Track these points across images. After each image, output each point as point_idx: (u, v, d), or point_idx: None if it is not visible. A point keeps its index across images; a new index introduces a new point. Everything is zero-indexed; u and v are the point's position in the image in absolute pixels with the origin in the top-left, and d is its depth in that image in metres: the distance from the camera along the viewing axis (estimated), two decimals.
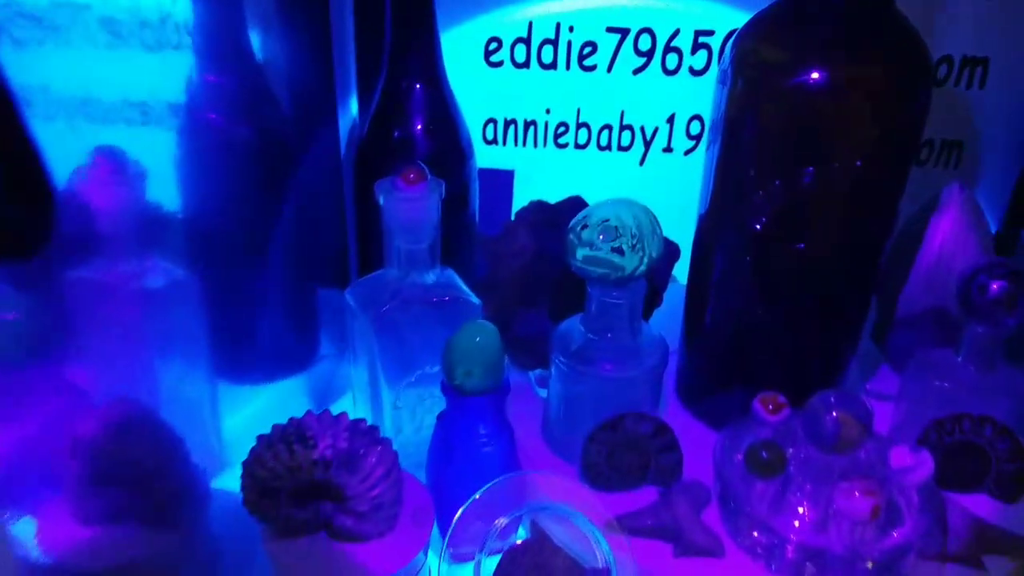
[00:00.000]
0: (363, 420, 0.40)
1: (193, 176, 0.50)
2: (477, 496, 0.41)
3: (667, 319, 0.55)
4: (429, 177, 0.42)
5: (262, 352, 0.58)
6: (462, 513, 0.41)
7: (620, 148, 0.67)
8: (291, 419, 0.39)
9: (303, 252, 0.57)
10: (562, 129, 0.66)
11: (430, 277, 0.45)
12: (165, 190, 0.48)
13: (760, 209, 0.43)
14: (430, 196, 0.42)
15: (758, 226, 0.43)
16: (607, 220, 0.41)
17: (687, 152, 0.67)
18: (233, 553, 0.45)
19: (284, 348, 0.59)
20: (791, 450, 0.41)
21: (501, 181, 0.68)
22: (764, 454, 0.39)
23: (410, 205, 0.42)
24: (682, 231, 0.53)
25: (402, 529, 0.41)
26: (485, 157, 0.67)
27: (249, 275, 0.55)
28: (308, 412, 0.39)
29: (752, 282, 0.45)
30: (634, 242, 0.41)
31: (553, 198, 0.60)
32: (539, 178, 0.68)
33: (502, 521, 0.42)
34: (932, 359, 0.47)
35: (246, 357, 0.58)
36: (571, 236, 0.42)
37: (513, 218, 0.59)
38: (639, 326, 0.46)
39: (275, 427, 0.39)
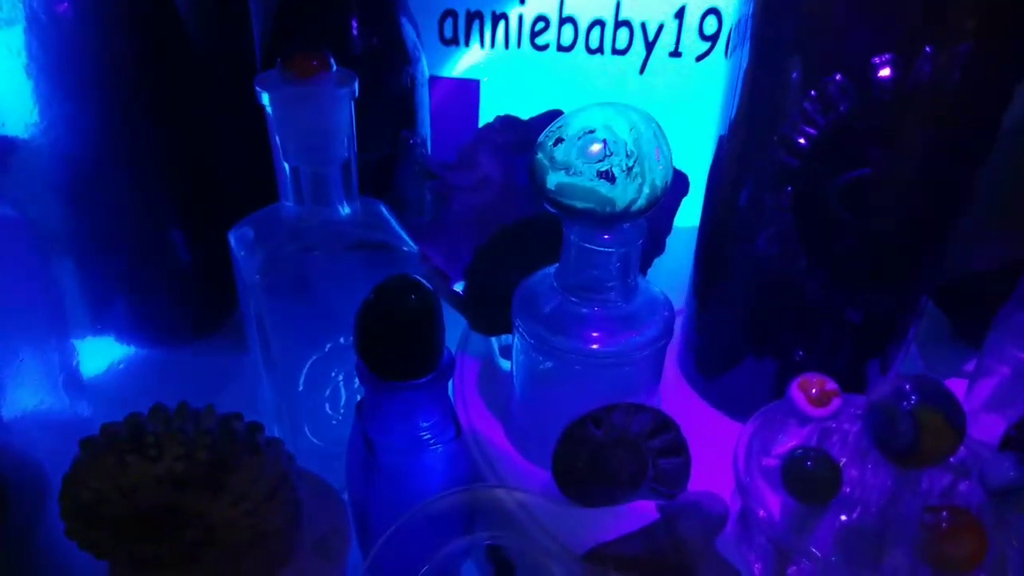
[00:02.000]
0: (237, 416, 0.29)
1: (43, 85, 0.39)
2: (406, 519, 0.31)
3: (669, 274, 0.45)
4: (334, 66, 0.31)
5: (155, 309, 0.48)
6: (384, 542, 0.31)
7: (615, 51, 0.55)
8: (129, 416, 0.28)
9: (199, 187, 0.46)
10: (541, 25, 0.55)
11: (344, 211, 0.34)
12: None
13: (808, 122, 0.32)
14: (336, 92, 0.31)
15: (802, 141, 0.32)
16: (591, 131, 0.30)
17: (700, 57, 0.56)
18: None
19: (185, 305, 0.48)
20: (844, 460, 0.30)
21: (462, 93, 0.57)
22: (810, 467, 0.29)
23: (307, 105, 0.31)
24: (692, 159, 0.42)
25: (303, 563, 0.31)
26: (441, 62, 0.55)
27: (128, 209, 0.44)
28: (156, 405, 0.29)
29: (792, 223, 0.35)
30: (630, 163, 0.30)
31: (527, 113, 0.48)
32: (511, 89, 0.57)
33: (445, 552, 0.32)
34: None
35: (137, 316, 0.47)
36: (540, 155, 0.31)
37: (473, 139, 0.48)
38: (635, 283, 0.35)
39: (104, 428, 0.28)
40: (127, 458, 0.28)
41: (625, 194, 0.30)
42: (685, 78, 0.56)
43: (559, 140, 0.31)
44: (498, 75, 0.57)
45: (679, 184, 0.46)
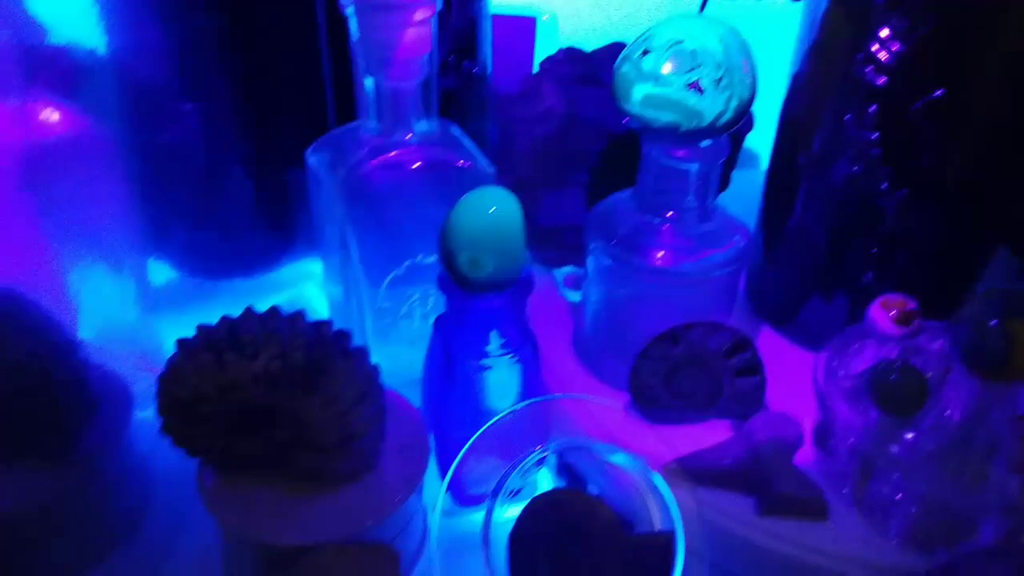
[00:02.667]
0: (328, 322, 0.30)
1: (112, 6, 0.39)
2: (488, 427, 0.32)
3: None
4: None
5: (215, 239, 0.48)
6: (468, 450, 0.31)
7: None
8: (223, 318, 0.29)
9: (267, 108, 0.46)
10: None
11: (423, 130, 0.35)
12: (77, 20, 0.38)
13: (898, 37, 0.32)
14: (423, 4, 0.31)
15: (888, 57, 0.32)
16: (680, 42, 0.30)
17: None
18: (171, 492, 0.36)
19: (245, 237, 0.49)
20: (930, 374, 0.31)
21: (519, 30, 0.56)
22: (897, 378, 0.29)
23: (393, 16, 0.31)
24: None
25: (386, 468, 0.32)
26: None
27: (194, 137, 0.44)
28: (248, 309, 0.29)
29: (876, 142, 0.34)
30: (720, 75, 0.30)
31: (589, 46, 0.48)
32: (567, 27, 0.57)
33: (522, 462, 0.33)
34: None
35: (196, 245, 0.48)
36: (626, 67, 0.31)
37: (536, 71, 0.48)
38: (712, 205, 0.35)
39: (201, 329, 0.29)
40: (225, 356, 0.28)
41: (713, 106, 0.31)
42: (745, 18, 0.55)
43: (646, 51, 0.31)
44: (557, 11, 0.56)
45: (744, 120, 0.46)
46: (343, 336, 0.30)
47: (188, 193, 0.47)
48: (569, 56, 0.47)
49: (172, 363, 0.29)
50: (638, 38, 0.32)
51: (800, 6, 0.39)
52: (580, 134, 0.47)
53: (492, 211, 0.30)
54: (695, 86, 0.30)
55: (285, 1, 0.45)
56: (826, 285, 0.40)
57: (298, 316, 0.30)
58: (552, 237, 0.46)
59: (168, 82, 0.43)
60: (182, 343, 0.29)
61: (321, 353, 0.29)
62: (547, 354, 0.40)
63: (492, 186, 0.31)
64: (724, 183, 0.46)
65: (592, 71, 0.47)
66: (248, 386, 0.28)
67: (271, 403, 0.29)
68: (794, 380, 0.37)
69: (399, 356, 0.39)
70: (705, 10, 0.56)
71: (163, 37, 0.42)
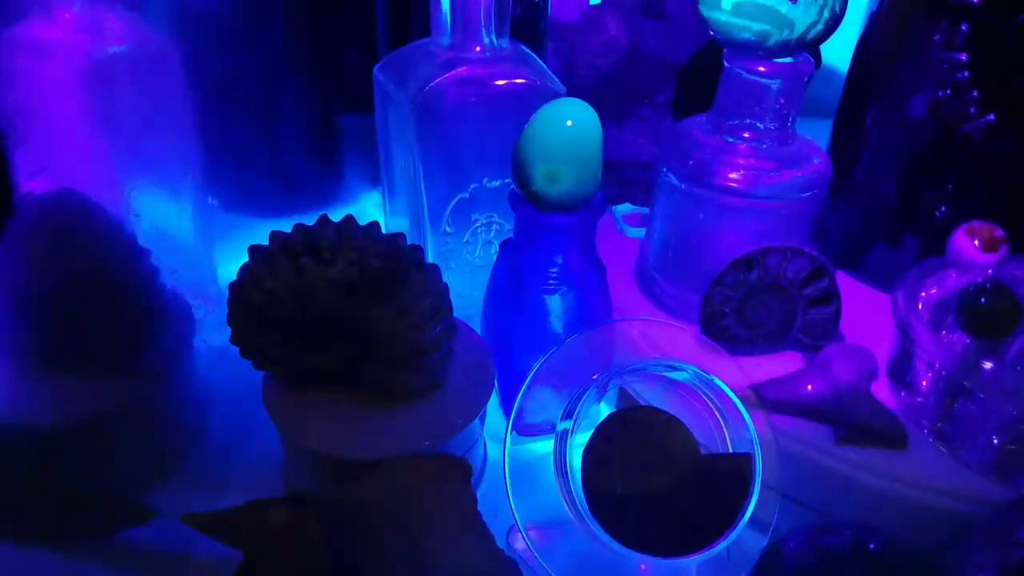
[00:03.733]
0: (402, 235, 0.29)
1: None
2: (554, 352, 0.31)
3: None
4: None
5: (267, 175, 0.48)
6: (534, 376, 0.31)
7: None
8: (298, 225, 0.29)
9: (321, 39, 0.46)
10: None
11: (495, 46, 0.34)
12: None
13: None
14: None
15: None
16: None
17: None
18: (230, 411, 0.36)
19: (298, 173, 0.48)
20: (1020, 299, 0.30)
21: None
22: (988, 301, 0.28)
23: None
24: None
25: (453, 388, 0.32)
26: None
27: (250, 66, 0.44)
28: (323, 216, 0.29)
29: (966, 64, 0.33)
30: None
31: None
32: None
33: (588, 388, 0.32)
34: None
35: (249, 181, 0.48)
36: None
37: (599, 1, 0.46)
38: (793, 129, 0.34)
39: (275, 235, 0.29)
40: (301, 260, 0.28)
41: (806, 15, 0.29)
42: None
43: None
44: None
45: None
46: (417, 249, 0.30)
47: (243, 126, 0.47)
48: None
49: (245, 269, 0.29)
50: None
51: None
52: (643, 67, 0.46)
53: (570, 124, 0.30)
54: None
55: None
56: (897, 223, 0.39)
57: (374, 226, 0.29)
58: (613, 173, 0.45)
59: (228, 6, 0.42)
60: (255, 249, 0.29)
61: (397, 264, 0.29)
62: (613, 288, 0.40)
63: (571, 99, 0.30)
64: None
65: (658, 2, 0.46)
66: (325, 292, 0.28)
67: (344, 312, 0.29)
68: (866, 321, 0.36)
69: (460, 283, 0.38)
70: None
71: None
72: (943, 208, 0.38)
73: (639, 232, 0.43)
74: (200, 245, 0.42)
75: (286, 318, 0.29)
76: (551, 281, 0.33)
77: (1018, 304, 0.29)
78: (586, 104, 0.30)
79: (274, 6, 0.43)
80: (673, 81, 0.46)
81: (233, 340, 0.30)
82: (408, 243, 0.30)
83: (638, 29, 0.45)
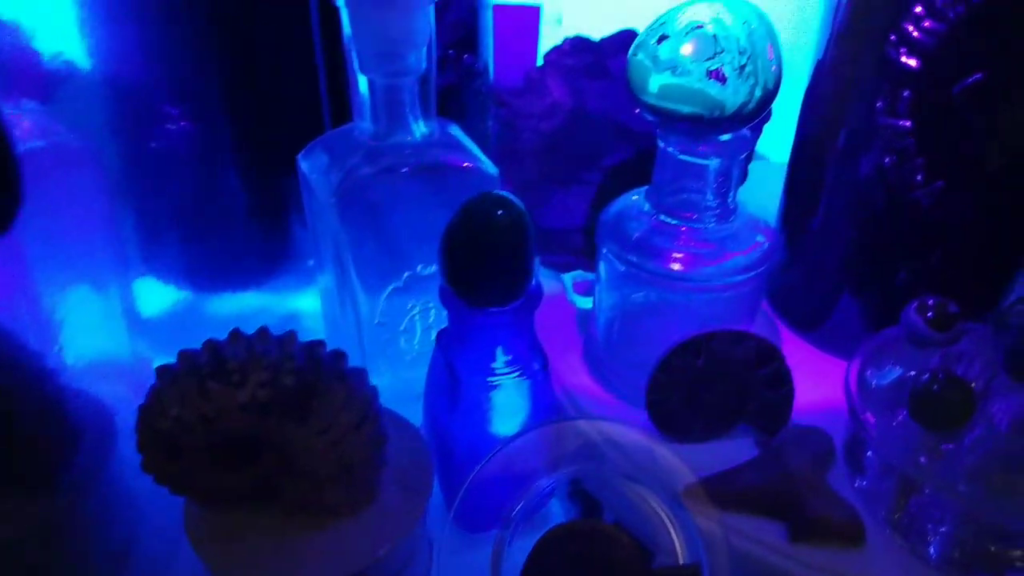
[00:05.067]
0: (321, 343, 0.27)
1: (90, 8, 0.37)
2: (497, 452, 0.29)
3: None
4: None
5: (207, 251, 0.46)
6: (475, 477, 0.29)
7: None
8: (207, 342, 0.27)
9: (259, 111, 0.44)
10: None
11: (421, 131, 0.32)
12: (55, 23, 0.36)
13: (934, 15, 0.29)
14: None
15: (925, 38, 0.29)
16: (700, 26, 0.27)
17: None
18: (160, 523, 0.34)
19: (239, 248, 0.47)
20: (974, 383, 0.28)
21: (522, 21, 0.54)
22: (940, 391, 0.27)
23: (386, 4, 0.28)
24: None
25: (387, 498, 0.30)
26: None
27: (182, 144, 0.42)
28: (234, 331, 0.27)
29: (910, 131, 0.32)
30: (743, 61, 0.27)
31: (597, 35, 0.46)
32: (572, 15, 0.54)
33: (534, 488, 0.31)
34: None
35: (188, 258, 0.46)
36: (640, 55, 0.29)
37: (541, 63, 0.45)
38: (734, 204, 0.33)
39: (182, 354, 0.27)
40: (208, 384, 0.26)
41: (736, 96, 0.28)
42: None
43: (663, 37, 0.28)
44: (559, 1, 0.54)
45: None
46: (338, 357, 0.28)
47: (178, 204, 0.45)
48: (575, 46, 0.45)
49: (153, 393, 0.27)
50: (653, 23, 0.29)
51: None
52: (589, 130, 0.44)
53: (496, 218, 0.28)
54: (716, 74, 0.28)
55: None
56: (855, 287, 0.37)
57: (288, 338, 0.28)
58: (561, 240, 0.44)
59: (154, 87, 0.41)
60: (162, 371, 0.27)
61: (313, 377, 0.27)
62: (556, 366, 0.38)
63: (496, 191, 0.29)
64: (741, 177, 0.43)
65: (600, 62, 0.45)
66: (234, 416, 0.26)
67: (259, 433, 0.27)
68: (822, 391, 0.35)
69: (400, 374, 0.37)
70: None
71: (147, 40, 0.39)
72: (902, 274, 0.36)
73: (589, 302, 0.41)
74: (131, 340, 0.40)
75: (196, 444, 0.27)
76: (488, 377, 0.31)
77: (970, 394, 0.27)
78: (511, 198, 0.28)
79: (211, 80, 0.42)
80: (620, 142, 0.45)
81: (144, 468, 0.28)
82: (328, 350, 0.28)
83: (582, 90, 0.44)
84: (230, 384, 0.26)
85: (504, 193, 0.29)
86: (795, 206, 0.40)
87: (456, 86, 0.45)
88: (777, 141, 0.47)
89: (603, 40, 0.45)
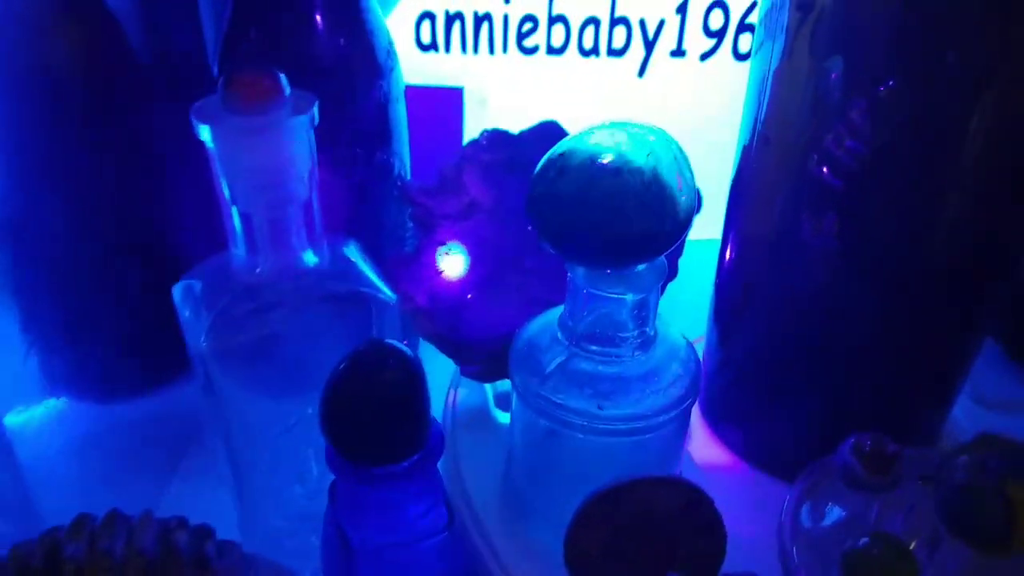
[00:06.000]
0: (180, 524, 0.24)
1: None
2: None
3: (683, 303, 0.39)
4: (287, 89, 0.26)
5: (99, 357, 0.42)
6: None
7: (611, 52, 0.50)
8: (44, 535, 0.23)
9: (148, 219, 0.41)
10: (528, 27, 0.49)
11: (307, 259, 0.29)
12: None
13: (856, 136, 0.27)
14: (292, 122, 0.25)
15: (849, 160, 0.27)
16: (601, 157, 0.25)
17: (705, 56, 0.50)
18: None
19: (136, 352, 0.43)
20: (913, 544, 0.25)
21: (444, 103, 0.51)
22: (878, 557, 0.24)
23: (256, 139, 0.25)
24: (701, 169, 0.37)
25: None
26: (418, 70, 0.50)
27: (55, 256, 0.39)
28: (80, 517, 0.23)
29: (838, 252, 0.29)
30: (648, 199, 0.25)
31: (517, 126, 0.43)
32: (498, 98, 0.52)
33: None
34: None
35: (80, 365, 0.42)
36: (540, 189, 0.26)
37: (457, 158, 0.42)
38: (653, 332, 0.30)
39: (13, 553, 0.23)
40: None
41: (643, 230, 0.25)
42: (689, 79, 0.51)
43: (562, 170, 0.25)
44: (482, 83, 0.51)
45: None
46: (202, 537, 0.25)
47: (66, 310, 0.41)
48: (493, 141, 0.42)
49: None
50: (552, 153, 0.26)
51: (750, 64, 0.34)
52: (509, 227, 0.41)
53: (383, 376, 0.25)
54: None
55: (170, 85, 0.39)
56: (787, 400, 0.35)
57: (142, 522, 0.24)
58: (479, 350, 0.41)
59: (28, 189, 0.37)
60: None
61: (167, 571, 0.23)
62: (474, 494, 0.35)
63: (379, 340, 0.25)
64: (672, 274, 0.41)
65: (521, 156, 0.42)
66: None
67: None
68: (759, 523, 0.32)
69: (296, 516, 0.33)
70: (647, 72, 0.51)
71: (21, 139, 0.36)
72: (840, 393, 0.34)
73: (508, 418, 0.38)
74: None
75: None
76: (386, 545, 0.28)
77: (913, 565, 0.24)
78: (399, 347, 0.25)
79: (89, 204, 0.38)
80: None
81: None
82: (188, 530, 0.24)
83: (501, 187, 0.41)
84: None
85: (390, 342, 0.26)
86: (723, 312, 0.37)
87: (365, 182, 0.42)
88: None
89: (523, 133, 0.42)
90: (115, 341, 0.43)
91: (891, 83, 0.26)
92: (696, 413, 0.40)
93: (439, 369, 0.42)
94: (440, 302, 0.40)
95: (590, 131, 0.26)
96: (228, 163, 0.26)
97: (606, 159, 0.25)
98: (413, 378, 0.25)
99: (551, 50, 0.50)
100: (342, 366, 0.25)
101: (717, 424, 0.39)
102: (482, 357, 0.41)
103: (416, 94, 0.51)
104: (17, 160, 0.37)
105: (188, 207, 0.41)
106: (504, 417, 0.39)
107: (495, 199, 0.41)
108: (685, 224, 0.27)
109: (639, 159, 0.25)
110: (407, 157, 0.45)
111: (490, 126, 0.42)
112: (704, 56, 0.51)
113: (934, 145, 0.26)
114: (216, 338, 0.28)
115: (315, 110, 0.27)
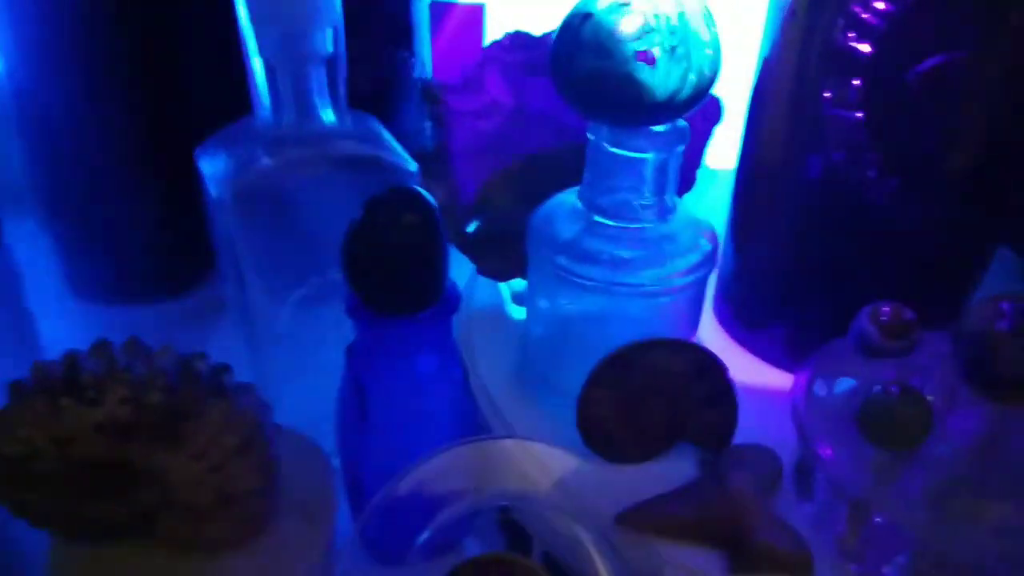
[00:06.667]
0: (200, 356, 0.24)
1: None
2: (403, 477, 0.26)
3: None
4: None
5: (112, 258, 0.42)
6: (377, 503, 0.26)
7: None
8: (67, 354, 0.23)
9: (171, 112, 0.41)
10: None
11: (329, 120, 0.29)
12: None
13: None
14: None
15: (876, 21, 0.27)
16: (627, 3, 0.24)
17: None
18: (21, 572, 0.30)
19: (145, 256, 0.43)
20: (932, 397, 0.25)
21: (465, 19, 0.51)
22: (895, 405, 0.24)
23: None
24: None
25: (283, 529, 0.26)
26: None
27: (87, 145, 0.39)
28: (100, 342, 0.24)
29: (861, 123, 0.29)
30: (674, 42, 0.24)
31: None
32: (520, 15, 0.51)
33: (451, 515, 0.27)
34: None
35: (93, 265, 0.42)
36: (564, 36, 0.26)
37: (480, 58, 0.42)
38: (672, 203, 0.30)
39: (36, 367, 0.23)
40: (60, 402, 0.23)
41: (668, 81, 0.25)
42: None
43: (587, 15, 0.25)
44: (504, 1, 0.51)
45: (711, 108, 0.41)
46: (218, 371, 0.25)
47: (76, 205, 0.41)
48: (516, 42, 0.42)
49: (2, 412, 0.23)
50: (578, 3, 0.26)
51: None
52: (530, 129, 0.41)
53: (402, 218, 0.25)
54: (645, 56, 0.25)
55: None
56: (805, 296, 0.34)
57: (163, 350, 0.24)
58: (497, 246, 0.41)
59: (48, 88, 0.37)
60: (13, 387, 0.23)
61: (186, 394, 0.24)
62: (487, 380, 0.35)
63: (401, 186, 0.25)
64: (688, 184, 0.40)
65: (543, 58, 0.42)
66: (90, 438, 0.23)
67: (123, 458, 0.23)
68: (771, 407, 0.32)
69: (314, 390, 0.33)
70: None
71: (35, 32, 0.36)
72: (854, 279, 0.34)
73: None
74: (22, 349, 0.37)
75: (50, 470, 0.23)
76: (401, 392, 0.28)
77: (927, 409, 0.24)
78: (420, 192, 0.25)
79: (109, 62, 0.38)
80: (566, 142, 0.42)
81: None
82: (207, 364, 0.24)
83: (523, 88, 0.41)
84: (84, 401, 0.23)
85: (412, 187, 0.26)
86: (743, 211, 0.37)
87: (387, 79, 0.42)
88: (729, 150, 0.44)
89: (546, 35, 0.42)
90: (137, 241, 0.43)
91: None
92: (712, 317, 0.40)
93: (456, 270, 0.42)
94: (459, 199, 0.40)
95: None
96: (254, 8, 0.26)
97: (634, 5, 0.25)
98: (432, 223, 0.25)
99: None
100: (365, 207, 0.25)
101: (731, 326, 0.38)
102: (500, 255, 0.41)
103: (440, 9, 0.51)
104: (35, 40, 0.36)
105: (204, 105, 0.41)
106: (519, 313, 0.39)
107: (516, 99, 0.41)
108: (711, 81, 0.26)
109: (666, 5, 0.25)
110: (429, 64, 0.45)
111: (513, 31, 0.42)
112: None
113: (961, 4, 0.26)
114: (240, 192, 0.28)
115: None
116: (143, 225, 0.42)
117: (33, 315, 0.37)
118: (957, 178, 0.29)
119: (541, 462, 0.28)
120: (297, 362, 0.32)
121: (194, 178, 0.36)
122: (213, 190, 0.28)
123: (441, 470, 0.28)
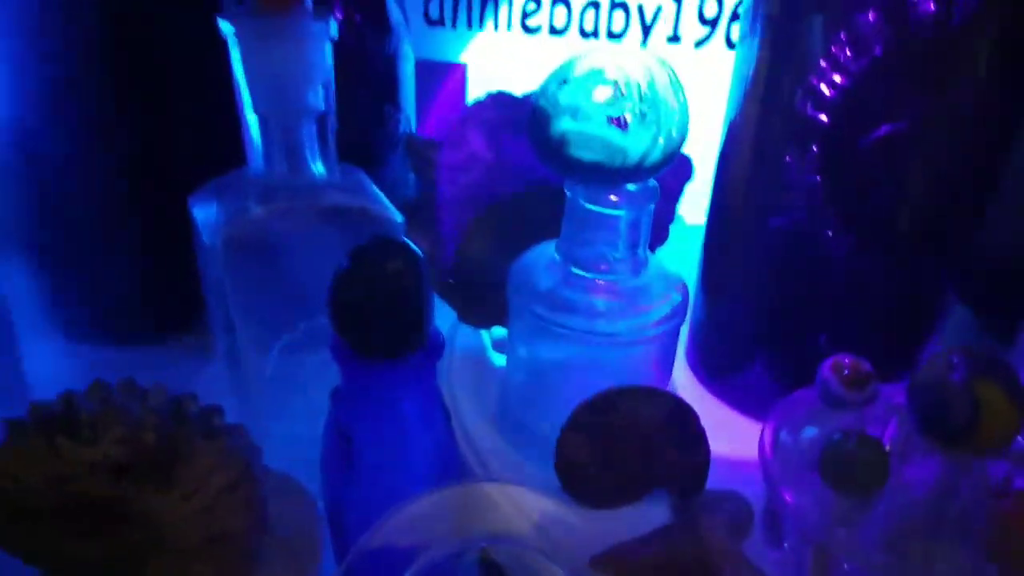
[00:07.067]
0: (190, 397, 0.25)
1: None
2: (387, 520, 0.27)
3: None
4: (309, 0, 0.27)
5: (103, 310, 0.43)
6: (361, 546, 0.27)
7: (609, 35, 0.52)
8: (64, 394, 0.24)
9: (161, 158, 0.42)
10: (532, 6, 0.52)
11: (318, 172, 0.31)
12: None
13: (838, 69, 0.29)
14: (312, 26, 0.27)
15: (830, 92, 0.29)
16: (601, 71, 0.26)
17: (699, 43, 0.53)
18: None
19: (135, 299, 0.44)
20: (890, 446, 0.27)
21: (449, 78, 0.53)
22: (854, 450, 0.25)
23: (278, 40, 0.27)
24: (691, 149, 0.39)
25: (268, 571, 0.27)
26: (427, 45, 0.52)
27: (76, 188, 0.40)
28: (96, 382, 0.25)
29: (819, 186, 0.31)
30: (644, 108, 0.26)
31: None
32: (501, 75, 0.54)
33: (431, 557, 0.28)
34: None
35: (80, 319, 0.43)
36: (542, 100, 0.28)
37: (461, 115, 0.44)
38: (645, 256, 0.31)
39: (33, 407, 0.24)
40: (57, 441, 0.23)
41: (639, 143, 0.27)
42: (683, 65, 0.53)
43: (564, 80, 0.27)
44: (486, 59, 0.54)
45: (682, 167, 0.43)
46: (209, 413, 0.26)
47: (64, 248, 0.42)
48: (496, 101, 0.44)
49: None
50: (556, 68, 0.28)
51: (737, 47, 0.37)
52: (508, 182, 0.43)
53: (386, 267, 0.26)
54: (618, 121, 0.27)
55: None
56: (771, 346, 0.36)
57: (156, 390, 0.25)
58: (478, 294, 0.42)
59: (36, 130, 0.38)
60: (11, 425, 0.24)
61: (179, 435, 0.24)
62: (468, 425, 0.36)
63: (386, 237, 0.27)
64: (661, 238, 0.42)
65: (521, 116, 0.44)
66: (86, 477, 0.23)
67: (117, 497, 0.24)
68: (741, 454, 0.33)
69: (299, 432, 0.34)
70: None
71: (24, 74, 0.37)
72: (818, 331, 0.35)
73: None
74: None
75: (45, 507, 0.24)
76: (384, 437, 0.29)
77: (883, 454, 0.26)
78: (404, 241, 0.27)
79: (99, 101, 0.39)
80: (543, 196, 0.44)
81: None
82: (199, 406, 0.25)
83: (502, 144, 0.43)
84: (81, 440, 0.23)
85: (396, 236, 0.27)
86: (712, 265, 0.39)
87: (373, 134, 0.43)
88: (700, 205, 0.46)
89: (525, 96, 0.44)
90: (126, 284, 0.44)
91: (869, 15, 0.28)
92: (684, 366, 0.41)
93: (439, 317, 0.43)
94: (441, 248, 0.42)
95: (594, 49, 0.28)
96: (250, 64, 0.28)
97: (607, 74, 0.27)
98: (417, 270, 0.27)
99: (552, 31, 0.53)
100: (351, 254, 0.26)
101: (701, 374, 0.40)
102: (480, 303, 0.42)
103: (424, 68, 0.53)
104: (28, 82, 0.37)
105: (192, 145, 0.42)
106: (500, 360, 0.40)
107: (495, 154, 0.43)
108: (679, 143, 0.28)
109: (636, 74, 0.27)
110: (413, 120, 0.47)
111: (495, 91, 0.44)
112: (699, 43, 0.53)
113: (911, 76, 0.28)
114: (230, 239, 0.29)
115: (332, 24, 0.29)
116: (131, 268, 0.43)
117: (20, 355, 0.38)
118: (907, 235, 0.31)
119: (520, 505, 0.29)
120: (283, 405, 0.33)
121: (183, 223, 0.37)
122: (205, 237, 0.30)
123: (423, 514, 0.28)
